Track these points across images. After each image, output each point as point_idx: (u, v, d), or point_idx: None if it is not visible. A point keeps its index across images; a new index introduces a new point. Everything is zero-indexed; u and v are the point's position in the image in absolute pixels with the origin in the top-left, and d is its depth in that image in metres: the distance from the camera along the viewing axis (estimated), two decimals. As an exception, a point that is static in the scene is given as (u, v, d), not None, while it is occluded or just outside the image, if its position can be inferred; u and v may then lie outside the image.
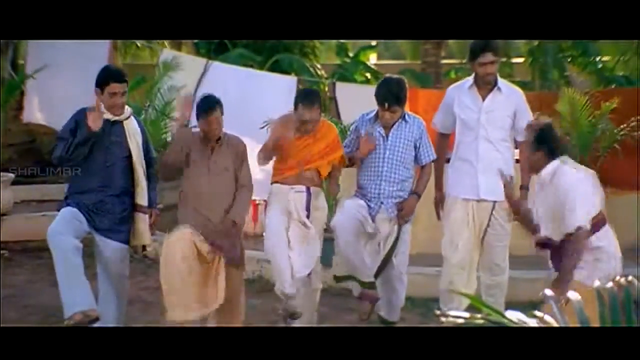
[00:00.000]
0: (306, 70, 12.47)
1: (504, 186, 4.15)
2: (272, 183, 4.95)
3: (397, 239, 4.92)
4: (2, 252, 7.23)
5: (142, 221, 4.75)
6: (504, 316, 2.17)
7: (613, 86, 11.72)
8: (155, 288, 5.52)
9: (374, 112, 4.99)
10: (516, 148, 4.96)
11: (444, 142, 5.19)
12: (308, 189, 4.85)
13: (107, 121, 4.57)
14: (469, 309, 3.96)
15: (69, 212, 4.49)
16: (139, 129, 4.79)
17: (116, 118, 4.65)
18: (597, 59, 13.05)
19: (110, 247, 4.65)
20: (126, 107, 4.75)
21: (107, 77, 4.60)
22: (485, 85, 4.87)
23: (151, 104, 8.17)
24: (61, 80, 8.47)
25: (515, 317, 2.16)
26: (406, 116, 4.97)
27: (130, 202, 4.72)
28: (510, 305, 3.35)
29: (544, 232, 4.04)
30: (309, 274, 4.88)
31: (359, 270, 4.90)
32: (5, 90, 8.94)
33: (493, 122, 4.83)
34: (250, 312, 5.14)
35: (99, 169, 4.60)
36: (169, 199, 7.37)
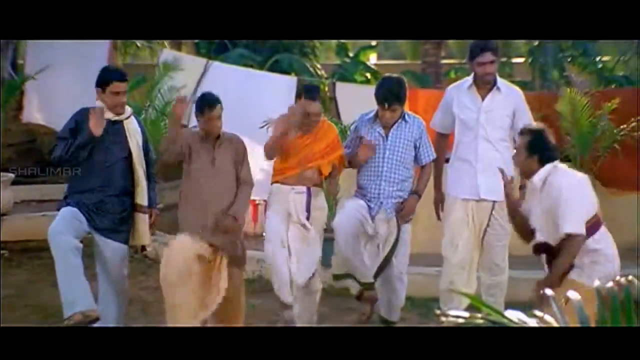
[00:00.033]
0: (306, 70, 12.48)
1: (504, 186, 4.15)
2: (272, 183, 4.95)
3: (396, 240, 4.92)
4: (2, 252, 7.23)
5: (142, 221, 4.75)
6: (504, 316, 2.17)
7: (613, 86, 11.73)
8: (155, 288, 5.53)
9: (374, 112, 4.99)
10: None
11: (443, 142, 5.19)
12: (308, 189, 4.85)
13: (107, 121, 4.57)
14: (469, 308, 3.96)
15: (69, 212, 4.49)
16: (139, 129, 4.80)
17: (117, 118, 4.65)
18: (597, 59, 13.06)
19: (110, 247, 4.65)
20: (126, 107, 4.76)
21: (109, 77, 4.61)
22: (485, 85, 4.87)
23: (151, 104, 8.17)
24: (61, 80, 8.47)
25: (515, 317, 2.16)
26: (406, 116, 4.97)
27: (130, 202, 4.71)
28: (510, 305, 3.34)
29: (539, 237, 4.05)
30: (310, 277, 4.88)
31: (358, 270, 4.91)
32: (5, 90, 8.93)
33: (492, 122, 4.83)
34: (250, 312, 5.14)
35: (99, 169, 4.60)
36: (169, 199, 7.38)
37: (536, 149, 3.99)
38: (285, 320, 4.77)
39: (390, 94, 4.84)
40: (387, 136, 4.94)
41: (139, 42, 12.28)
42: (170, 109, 4.85)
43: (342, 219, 4.85)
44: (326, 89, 10.82)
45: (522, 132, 4.12)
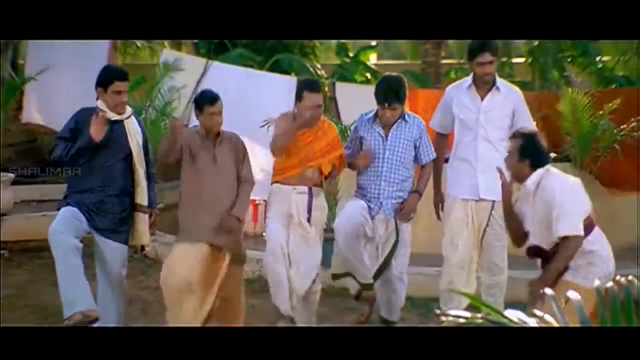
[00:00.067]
0: (306, 70, 12.46)
1: (502, 185, 4.15)
2: (272, 183, 4.95)
3: (395, 242, 4.91)
4: (2, 252, 7.23)
5: (142, 221, 4.75)
6: (503, 316, 2.17)
7: (613, 86, 11.72)
8: (155, 288, 5.53)
9: (373, 112, 4.99)
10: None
11: (442, 142, 5.19)
12: (310, 189, 4.85)
13: (108, 120, 4.57)
14: (468, 308, 3.96)
15: (70, 212, 4.49)
16: (139, 129, 4.80)
17: (117, 117, 4.65)
18: (597, 59, 13.04)
19: (109, 247, 4.65)
20: (127, 106, 4.75)
21: (110, 76, 4.62)
22: (484, 85, 4.87)
23: (151, 104, 8.17)
24: (60, 81, 8.47)
25: (515, 316, 2.16)
26: (406, 116, 4.97)
27: (130, 202, 4.71)
28: (510, 305, 3.34)
29: (533, 241, 4.05)
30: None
31: (358, 271, 4.91)
32: (5, 90, 8.93)
33: (492, 122, 4.83)
34: (250, 312, 5.14)
35: (99, 169, 4.60)
36: (169, 199, 7.38)
37: (528, 153, 3.98)
38: (284, 322, 4.78)
39: (390, 92, 4.84)
40: (386, 136, 4.94)
41: (139, 42, 12.28)
42: (168, 122, 4.83)
43: (342, 221, 4.85)
44: (326, 89, 10.81)
45: (515, 135, 4.11)
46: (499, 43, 5.02)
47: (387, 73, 5.19)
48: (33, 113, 9.03)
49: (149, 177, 4.82)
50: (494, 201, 4.76)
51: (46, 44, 8.21)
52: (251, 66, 11.41)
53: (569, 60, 13.08)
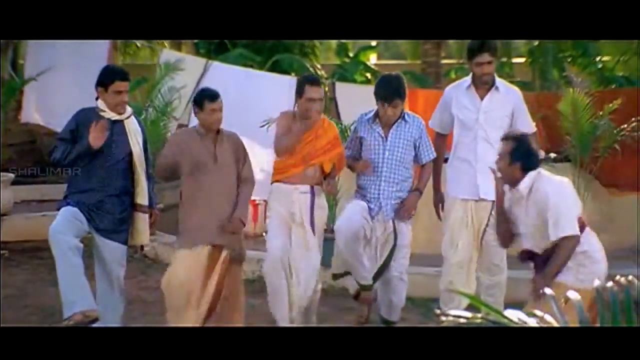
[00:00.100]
0: (306, 71, 12.44)
1: (496, 184, 4.16)
2: (273, 182, 4.93)
3: (393, 246, 4.90)
4: (2, 252, 7.23)
5: (142, 221, 4.74)
6: (503, 316, 2.17)
7: (613, 86, 11.72)
8: (155, 288, 5.53)
9: (373, 112, 4.98)
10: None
11: (441, 142, 5.19)
12: (312, 188, 4.84)
13: (108, 120, 4.57)
14: (468, 308, 3.96)
15: (70, 212, 4.49)
16: (139, 129, 4.80)
17: (117, 117, 4.65)
18: (597, 59, 13.04)
19: (109, 247, 4.64)
20: (127, 106, 4.75)
21: (111, 76, 4.61)
22: (483, 85, 4.87)
23: (151, 104, 8.17)
24: (60, 81, 8.47)
25: (515, 316, 2.16)
26: (405, 116, 4.96)
27: (130, 202, 4.71)
28: (509, 305, 3.34)
29: (526, 245, 4.06)
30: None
31: (358, 273, 4.90)
32: (5, 90, 8.93)
33: (491, 122, 4.83)
34: (250, 312, 5.14)
35: (99, 169, 4.59)
36: (169, 199, 7.38)
37: (519, 155, 3.97)
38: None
39: (391, 88, 4.83)
40: (386, 137, 4.93)
41: (139, 42, 12.28)
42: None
43: (344, 223, 4.83)
44: (326, 89, 10.81)
45: (506, 138, 4.10)
46: (499, 43, 5.01)
47: (386, 73, 5.20)
48: (32, 113, 9.03)
49: (149, 177, 4.82)
50: (493, 201, 4.76)
51: (46, 44, 8.20)
52: (251, 66, 11.41)
53: (569, 60, 13.08)
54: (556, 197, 3.88)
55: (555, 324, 2.15)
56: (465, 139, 4.90)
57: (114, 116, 4.62)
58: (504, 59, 12.61)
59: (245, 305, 4.88)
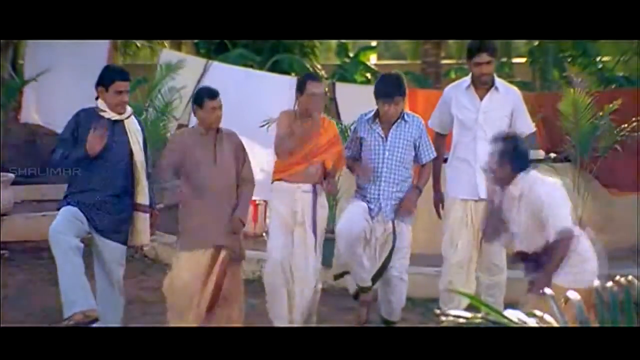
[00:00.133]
0: (306, 71, 12.46)
1: (487, 182, 4.16)
2: (274, 181, 4.91)
3: (393, 247, 4.89)
4: (2, 252, 7.23)
5: (142, 220, 4.74)
6: (503, 316, 2.17)
7: (613, 86, 11.73)
8: (155, 288, 5.52)
9: (373, 112, 4.97)
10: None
11: (441, 142, 5.19)
12: (314, 187, 4.83)
13: (108, 120, 4.57)
14: (468, 308, 3.96)
15: (70, 212, 4.49)
16: (139, 128, 4.79)
17: (118, 117, 4.64)
18: (597, 59, 13.05)
19: (108, 247, 4.64)
20: (127, 106, 4.75)
21: (112, 76, 4.62)
22: (483, 85, 4.87)
23: (151, 104, 8.18)
24: (60, 81, 8.47)
25: (515, 317, 2.16)
26: (405, 115, 4.95)
27: (130, 202, 4.71)
28: (509, 305, 3.35)
29: (519, 247, 4.06)
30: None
31: (357, 274, 4.90)
32: (5, 90, 8.93)
33: (491, 122, 4.82)
34: (250, 312, 5.14)
35: (100, 169, 4.59)
36: (169, 199, 7.37)
37: (510, 156, 3.97)
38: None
39: (392, 85, 4.82)
40: (386, 137, 4.92)
41: (139, 42, 12.28)
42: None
43: (345, 225, 4.80)
44: (326, 89, 10.81)
45: (496, 139, 4.09)
46: (499, 43, 5.01)
47: (385, 72, 5.21)
48: (32, 113, 9.03)
49: (149, 177, 4.82)
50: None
51: (46, 44, 8.20)
52: (251, 66, 11.43)
53: (569, 60, 13.09)
54: (549, 198, 3.90)
55: (555, 324, 2.15)
56: (465, 139, 4.90)
57: (114, 116, 4.62)
58: (504, 59, 12.63)
59: (245, 305, 4.88)
